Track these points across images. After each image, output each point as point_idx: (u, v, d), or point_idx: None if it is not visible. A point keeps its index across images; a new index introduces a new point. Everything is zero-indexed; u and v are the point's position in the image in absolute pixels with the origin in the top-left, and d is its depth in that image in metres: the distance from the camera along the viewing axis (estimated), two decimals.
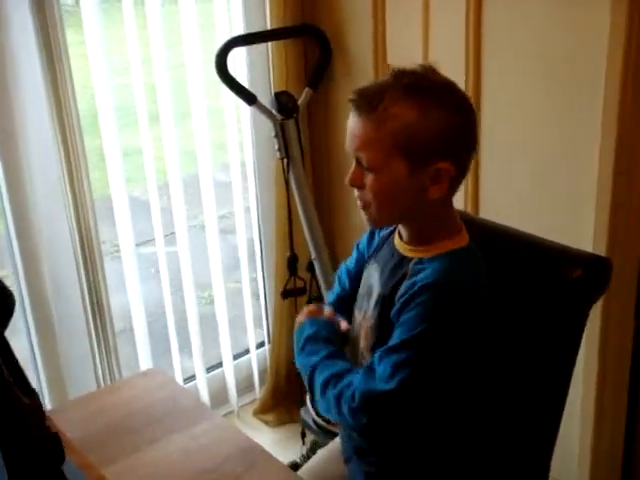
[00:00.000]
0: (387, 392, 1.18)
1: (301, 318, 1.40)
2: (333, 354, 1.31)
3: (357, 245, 1.48)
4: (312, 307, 1.44)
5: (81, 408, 1.50)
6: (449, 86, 1.23)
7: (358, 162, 1.23)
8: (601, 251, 1.77)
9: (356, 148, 1.22)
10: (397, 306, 1.22)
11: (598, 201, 1.79)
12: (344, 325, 1.39)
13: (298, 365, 1.36)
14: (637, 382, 2.01)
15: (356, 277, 1.44)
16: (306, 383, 1.33)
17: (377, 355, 1.22)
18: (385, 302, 1.27)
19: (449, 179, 1.21)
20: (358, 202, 1.28)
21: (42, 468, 0.87)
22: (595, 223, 1.81)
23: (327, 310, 1.43)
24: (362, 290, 1.39)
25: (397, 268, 1.29)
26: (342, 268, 1.52)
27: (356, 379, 1.22)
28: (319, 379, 1.28)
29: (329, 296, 1.54)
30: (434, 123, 1.18)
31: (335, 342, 1.34)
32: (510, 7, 1.85)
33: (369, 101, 1.19)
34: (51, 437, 0.91)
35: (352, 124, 1.22)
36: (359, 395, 1.20)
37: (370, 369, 1.22)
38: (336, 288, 1.51)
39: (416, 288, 1.20)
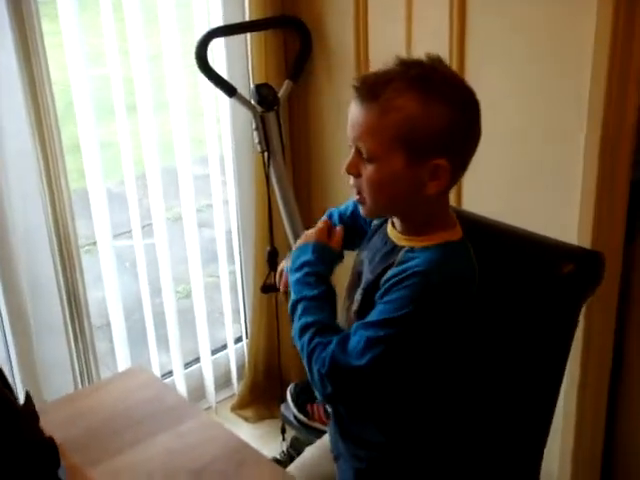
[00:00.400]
0: (356, 368, 1.18)
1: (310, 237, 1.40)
2: (324, 295, 1.30)
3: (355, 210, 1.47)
4: (322, 226, 1.42)
5: (62, 410, 1.45)
6: (455, 80, 1.21)
7: (357, 151, 1.21)
8: (586, 244, 1.78)
9: (356, 137, 1.20)
10: (382, 289, 1.22)
11: (582, 195, 1.79)
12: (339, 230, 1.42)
13: (290, 280, 1.36)
14: (617, 382, 2.02)
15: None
16: (290, 306, 1.33)
17: (354, 325, 1.22)
18: (370, 287, 1.27)
19: (448, 176, 1.20)
20: (353, 190, 1.26)
21: (38, 472, 0.84)
22: (579, 217, 1.81)
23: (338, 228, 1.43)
24: (350, 279, 1.38)
25: (388, 255, 1.28)
26: (334, 211, 1.51)
27: (332, 343, 1.22)
28: (302, 319, 1.28)
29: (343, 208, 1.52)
30: (437, 118, 1.16)
31: (329, 279, 1.35)
32: (496, 4, 1.84)
33: (373, 90, 1.17)
34: (46, 441, 0.88)
35: (354, 112, 1.20)
36: (329, 363, 1.20)
37: (346, 339, 1.21)
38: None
39: (406, 274, 1.19)
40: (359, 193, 1.25)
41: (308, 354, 1.24)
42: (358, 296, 1.30)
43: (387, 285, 1.21)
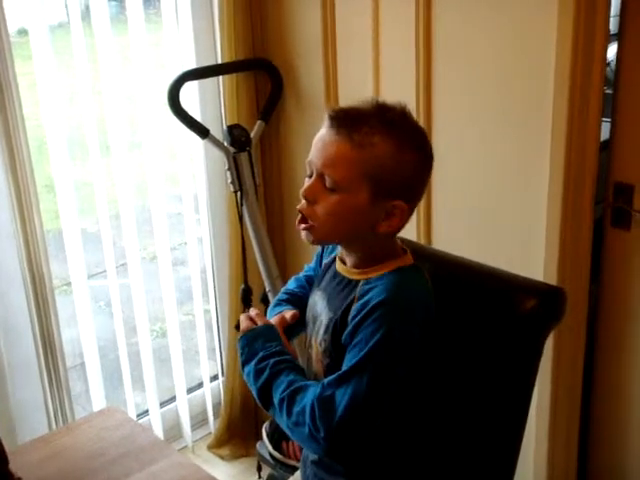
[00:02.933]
0: (349, 422, 1.18)
1: (244, 325, 1.38)
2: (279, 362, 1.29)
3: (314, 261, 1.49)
4: (251, 315, 1.40)
5: (37, 451, 1.45)
6: (423, 132, 1.27)
7: (320, 177, 1.22)
8: (552, 280, 1.82)
9: (324, 164, 1.21)
10: (349, 328, 1.22)
11: (548, 232, 1.83)
12: (289, 315, 1.39)
13: (245, 375, 1.34)
14: (588, 402, 2.06)
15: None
16: (256, 395, 1.31)
17: (333, 379, 1.20)
18: (337, 326, 1.27)
19: (402, 217, 1.24)
20: (299, 214, 1.26)
21: None
22: (545, 253, 1.85)
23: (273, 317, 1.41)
24: (308, 315, 1.39)
25: (345, 292, 1.29)
26: (301, 276, 1.52)
27: (315, 408, 1.19)
28: (275, 396, 1.25)
29: (305, 269, 1.53)
30: (406, 163, 1.21)
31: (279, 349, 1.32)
32: (460, 46, 1.90)
33: (352, 122, 1.20)
34: None
35: (325, 139, 1.21)
36: (323, 428, 1.18)
37: (329, 399, 1.19)
38: (313, 263, 1.50)
39: (368, 308, 1.20)
40: (306, 219, 1.25)
41: (293, 425, 1.22)
42: (324, 337, 1.30)
43: (354, 323, 1.22)
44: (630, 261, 1.88)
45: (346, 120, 1.20)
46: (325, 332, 1.30)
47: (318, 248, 1.47)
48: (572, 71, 1.69)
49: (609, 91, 1.84)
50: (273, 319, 1.40)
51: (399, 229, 1.28)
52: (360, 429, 1.19)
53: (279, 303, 1.47)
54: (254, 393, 1.31)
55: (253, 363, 1.30)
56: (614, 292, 1.94)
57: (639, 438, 1.99)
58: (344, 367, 1.21)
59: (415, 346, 1.22)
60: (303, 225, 1.26)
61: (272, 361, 1.28)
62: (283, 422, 1.25)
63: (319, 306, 1.35)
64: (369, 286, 1.25)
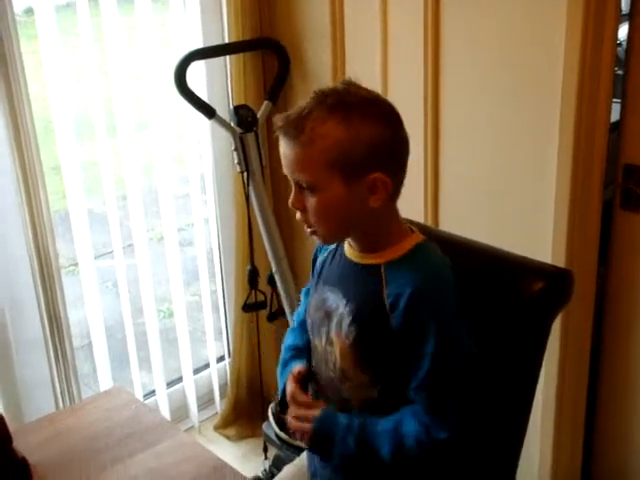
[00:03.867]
0: (468, 406, 1.24)
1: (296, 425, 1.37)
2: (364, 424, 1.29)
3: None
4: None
5: (42, 430, 1.46)
6: (373, 98, 1.25)
7: (298, 185, 1.25)
8: (560, 262, 1.80)
9: (292, 171, 1.24)
10: (398, 318, 1.23)
11: (556, 213, 1.82)
12: (296, 371, 1.40)
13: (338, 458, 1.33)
14: (594, 393, 2.05)
15: None
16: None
17: (422, 385, 1.24)
18: (365, 314, 1.27)
19: (386, 186, 1.23)
20: (304, 225, 1.29)
21: None
22: (553, 235, 1.84)
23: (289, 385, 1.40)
24: (316, 316, 1.38)
25: (364, 277, 1.29)
26: (303, 291, 1.53)
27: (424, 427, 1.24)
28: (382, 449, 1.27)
29: (296, 317, 1.54)
30: (362, 137, 1.20)
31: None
32: (469, 27, 1.88)
33: (295, 125, 1.20)
34: (18, 463, 0.88)
35: (284, 150, 1.23)
36: (449, 428, 1.23)
37: (437, 402, 1.24)
38: (301, 307, 1.52)
39: (413, 294, 1.21)
40: (309, 226, 1.28)
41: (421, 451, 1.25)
42: (351, 327, 1.29)
43: (403, 311, 1.22)
44: (639, 243, 1.87)
45: (290, 125, 1.21)
46: (352, 322, 1.28)
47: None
48: (582, 51, 1.67)
49: (620, 72, 1.82)
50: (288, 385, 1.39)
51: (391, 198, 1.27)
52: (475, 405, 1.25)
53: (286, 364, 1.46)
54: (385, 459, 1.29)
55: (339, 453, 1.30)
56: (623, 274, 1.92)
57: None
58: (423, 364, 1.23)
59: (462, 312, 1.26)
60: (309, 230, 1.29)
61: (350, 439, 1.28)
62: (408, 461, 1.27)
63: (331, 300, 1.33)
64: (396, 268, 1.26)
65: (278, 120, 1.23)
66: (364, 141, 1.20)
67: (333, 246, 1.39)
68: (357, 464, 1.30)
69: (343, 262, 1.34)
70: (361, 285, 1.29)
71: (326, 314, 1.34)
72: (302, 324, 1.48)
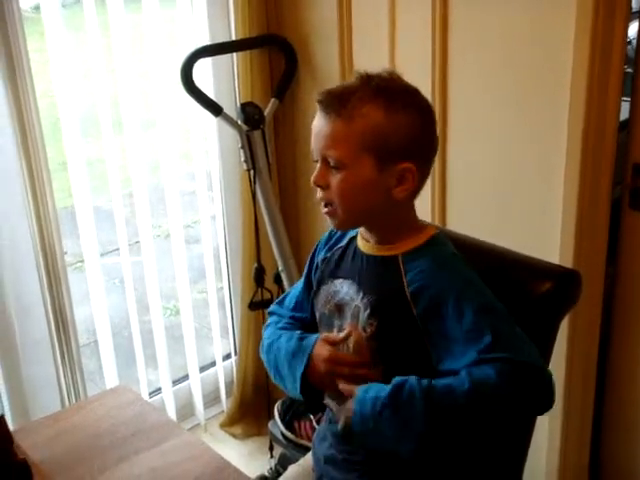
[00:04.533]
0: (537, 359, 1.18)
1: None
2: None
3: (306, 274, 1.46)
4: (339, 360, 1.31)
5: (47, 428, 1.46)
6: (414, 90, 1.26)
7: (324, 161, 1.24)
8: (568, 262, 1.79)
9: (324, 147, 1.23)
10: (425, 304, 1.21)
11: (564, 213, 1.81)
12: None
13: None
14: (602, 396, 2.04)
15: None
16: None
17: (485, 351, 1.15)
18: (385, 305, 1.25)
19: (414, 179, 1.24)
20: (322, 203, 1.27)
21: None
22: (561, 235, 1.82)
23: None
24: (326, 309, 1.36)
25: (382, 269, 1.28)
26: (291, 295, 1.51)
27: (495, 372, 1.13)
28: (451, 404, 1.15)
29: (276, 310, 1.51)
30: (401, 125, 1.21)
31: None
32: (476, 26, 1.86)
33: (339, 100, 1.21)
34: (18, 464, 0.88)
35: (320, 123, 1.23)
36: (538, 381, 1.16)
37: (509, 364, 1.14)
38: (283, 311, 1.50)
39: (429, 284, 1.21)
40: (328, 205, 1.26)
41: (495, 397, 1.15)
42: (370, 320, 1.26)
43: (429, 298, 1.21)
44: None
45: (333, 99, 1.22)
46: (372, 314, 1.26)
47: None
48: (592, 49, 1.65)
49: (629, 70, 1.80)
50: (324, 349, 1.31)
51: (416, 192, 1.28)
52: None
53: (287, 327, 1.43)
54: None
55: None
56: (631, 275, 1.91)
57: None
58: (478, 340, 1.16)
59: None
60: (325, 210, 1.27)
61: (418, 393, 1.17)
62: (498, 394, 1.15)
63: (344, 292, 1.32)
64: (414, 257, 1.25)
65: (319, 94, 1.23)
66: (404, 129, 1.21)
67: (341, 243, 1.38)
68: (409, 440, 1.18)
69: (358, 256, 1.33)
70: (379, 277, 1.28)
71: (337, 307, 1.34)
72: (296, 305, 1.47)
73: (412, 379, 1.18)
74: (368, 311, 1.27)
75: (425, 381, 1.17)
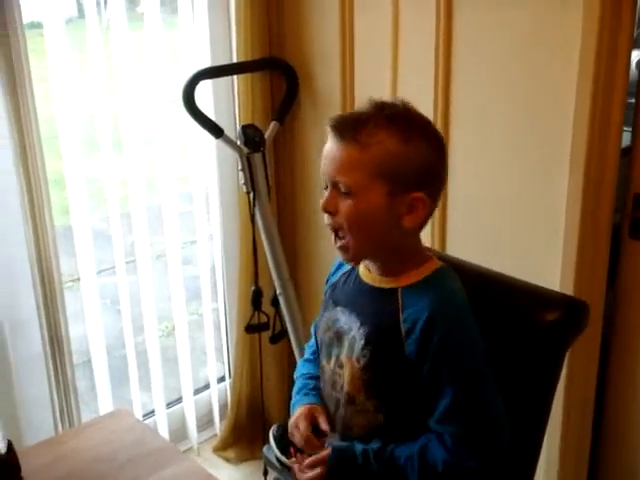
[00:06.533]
0: (498, 432, 1.23)
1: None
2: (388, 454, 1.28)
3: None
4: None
5: (44, 453, 1.43)
6: (429, 122, 1.27)
7: (335, 187, 1.23)
8: (568, 289, 1.79)
9: (336, 172, 1.22)
10: (414, 344, 1.22)
11: (565, 241, 1.81)
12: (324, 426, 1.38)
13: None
14: (599, 422, 2.03)
15: None
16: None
17: (445, 416, 1.22)
18: (379, 337, 1.25)
19: (425, 209, 1.23)
20: (331, 230, 1.26)
21: None
22: (562, 262, 1.82)
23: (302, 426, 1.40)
24: (326, 337, 1.36)
25: (381, 302, 1.27)
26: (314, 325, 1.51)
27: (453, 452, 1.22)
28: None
29: (307, 351, 1.53)
30: (415, 154, 1.20)
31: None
32: (479, 51, 1.87)
33: (353, 126, 1.20)
34: None
35: (332, 149, 1.22)
36: (482, 456, 1.22)
37: (466, 433, 1.22)
38: (312, 341, 1.52)
39: (430, 321, 1.20)
40: (336, 232, 1.25)
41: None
42: (364, 351, 1.27)
43: (420, 338, 1.21)
44: None
45: (347, 125, 1.21)
46: (365, 346, 1.26)
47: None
48: (595, 76, 1.66)
49: (631, 100, 1.81)
50: (302, 424, 1.39)
51: (425, 222, 1.27)
52: (504, 432, 1.24)
53: (307, 392, 1.45)
54: None
55: None
56: (631, 303, 1.91)
57: None
58: (445, 395, 1.21)
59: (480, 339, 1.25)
60: (338, 243, 1.26)
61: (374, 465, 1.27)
62: None
63: (343, 321, 1.32)
64: (414, 293, 1.24)
65: (331, 119, 1.23)
66: (419, 159, 1.21)
67: (347, 268, 1.38)
68: None
69: (358, 284, 1.33)
70: (377, 308, 1.28)
71: (336, 335, 1.33)
72: (315, 355, 1.47)
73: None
74: (362, 342, 1.27)
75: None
